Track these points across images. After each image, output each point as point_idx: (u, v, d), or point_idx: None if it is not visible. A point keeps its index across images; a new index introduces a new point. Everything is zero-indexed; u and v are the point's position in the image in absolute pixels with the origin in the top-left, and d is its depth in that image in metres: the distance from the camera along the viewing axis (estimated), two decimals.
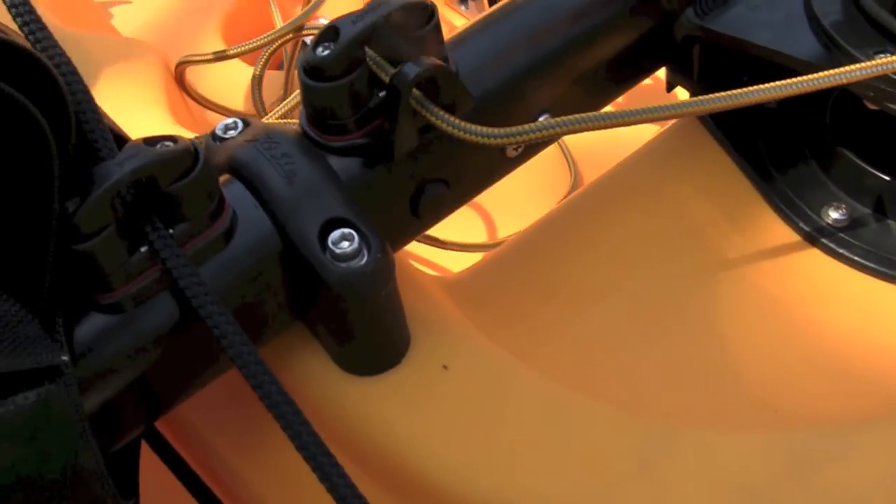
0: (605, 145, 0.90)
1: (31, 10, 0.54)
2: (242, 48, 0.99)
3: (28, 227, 0.52)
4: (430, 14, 0.60)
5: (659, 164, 0.81)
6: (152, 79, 0.93)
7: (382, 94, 0.60)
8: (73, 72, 0.55)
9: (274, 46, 0.99)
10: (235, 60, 1.11)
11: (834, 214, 0.76)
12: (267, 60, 1.02)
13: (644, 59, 0.77)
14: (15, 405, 0.48)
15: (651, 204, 0.79)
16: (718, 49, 0.76)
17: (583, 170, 1.13)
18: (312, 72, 0.58)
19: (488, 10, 0.71)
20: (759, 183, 0.79)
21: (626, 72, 0.76)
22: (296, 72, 1.13)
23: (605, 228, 0.78)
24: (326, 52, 0.58)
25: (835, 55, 0.71)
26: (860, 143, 0.76)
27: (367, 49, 0.59)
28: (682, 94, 0.85)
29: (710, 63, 0.79)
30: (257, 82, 1.01)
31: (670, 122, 0.85)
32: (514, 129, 0.61)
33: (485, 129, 0.60)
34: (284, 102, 0.91)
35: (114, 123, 0.60)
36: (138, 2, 1.41)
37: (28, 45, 0.50)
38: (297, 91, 0.93)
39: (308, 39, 1.02)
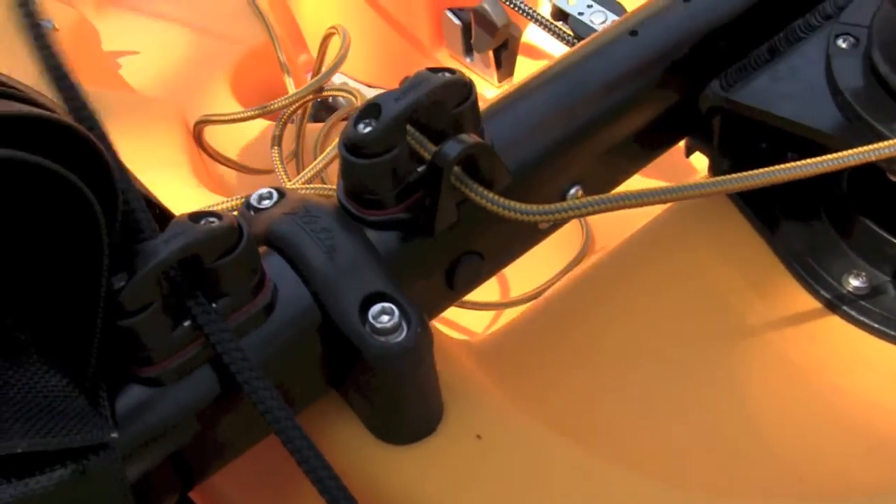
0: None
1: (73, 87, 0.54)
2: (262, 109, 1.00)
3: (77, 303, 0.52)
4: (469, 91, 0.61)
5: (680, 230, 0.82)
6: (173, 138, 0.94)
7: (422, 168, 0.61)
8: (111, 147, 0.56)
9: (292, 109, 1.00)
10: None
11: (854, 282, 0.77)
12: (285, 122, 1.03)
13: (671, 129, 0.78)
14: (58, 478, 0.49)
15: (674, 270, 0.80)
16: (739, 117, 0.77)
17: (594, 227, 1.13)
18: (353, 148, 0.59)
19: (520, 81, 0.72)
20: (779, 250, 0.80)
21: (655, 142, 0.78)
22: (307, 125, 1.15)
23: (630, 294, 0.78)
24: (368, 130, 0.59)
25: (856, 127, 0.72)
26: (880, 211, 0.77)
27: (408, 126, 0.60)
28: (698, 159, 0.86)
29: (731, 131, 0.80)
30: (277, 142, 1.02)
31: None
32: (551, 206, 0.61)
33: (523, 206, 0.60)
34: (311, 166, 0.91)
35: (150, 194, 0.60)
36: (145, 53, 1.42)
37: (81, 128, 0.51)
38: (323, 156, 0.94)
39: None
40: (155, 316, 0.53)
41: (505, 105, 0.70)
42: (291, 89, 1.22)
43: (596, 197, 0.62)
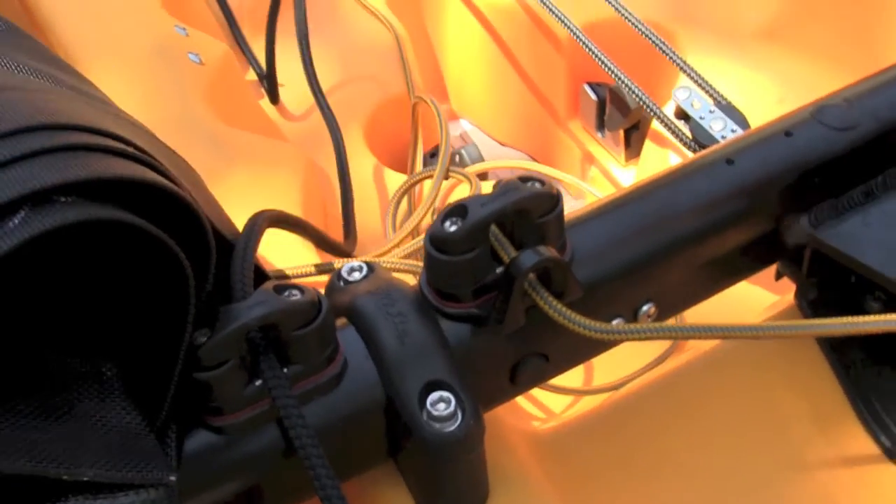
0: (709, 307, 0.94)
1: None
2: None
3: (160, 349, 0.58)
4: (555, 203, 0.65)
5: (759, 355, 0.84)
6: (292, 185, 1.00)
7: (500, 270, 0.65)
8: (228, 222, 0.62)
9: (408, 187, 1.06)
10: None
11: None
12: (400, 199, 1.08)
13: (755, 257, 0.80)
14: (141, 500, 0.54)
15: (745, 390, 0.81)
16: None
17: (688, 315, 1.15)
18: (438, 244, 0.63)
19: (612, 195, 0.75)
20: (848, 389, 0.81)
21: (736, 269, 0.80)
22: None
23: (696, 409, 0.80)
24: (454, 229, 0.62)
25: None
26: None
27: (493, 226, 0.64)
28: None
29: (821, 263, 0.81)
30: (393, 209, 1.07)
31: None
32: (613, 325, 0.65)
33: (587, 321, 0.63)
34: (410, 244, 0.97)
35: (259, 258, 0.66)
36: (288, 86, 1.49)
37: (186, 196, 0.56)
38: (416, 241, 1.00)
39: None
40: (229, 372, 0.58)
41: (592, 216, 0.73)
42: (419, 156, 1.27)
43: (667, 325, 0.65)
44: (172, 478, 0.56)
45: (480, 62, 1.79)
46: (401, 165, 1.46)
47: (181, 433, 0.60)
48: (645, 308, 0.73)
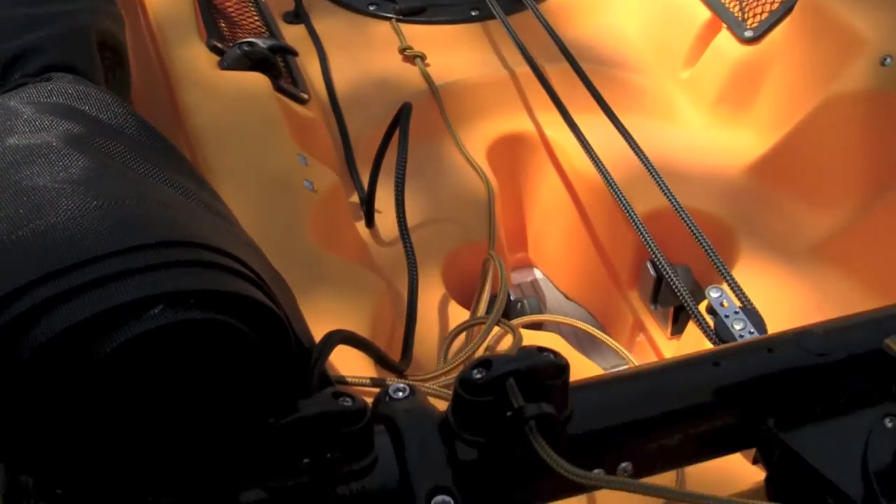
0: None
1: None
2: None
3: (234, 432, 0.76)
4: (562, 372, 0.82)
5: None
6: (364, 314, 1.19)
7: (510, 413, 0.82)
8: (308, 333, 0.80)
9: (464, 327, 1.26)
10: None
11: None
12: (456, 335, 1.27)
13: (728, 443, 0.95)
14: None
15: None
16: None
17: None
18: (465, 386, 0.81)
19: (616, 371, 0.92)
20: None
21: (709, 448, 0.95)
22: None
23: None
24: (479, 377, 0.80)
25: (869, 495, 0.87)
26: None
27: (510, 380, 0.81)
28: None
29: (788, 462, 0.95)
30: (448, 342, 1.25)
31: None
32: (596, 475, 0.81)
33: (577, 470, 0.79)
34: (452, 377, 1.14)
35: (328, 365, 0.84)
36: (385, 213, 1.68)
37: (275, 308, 0.75)
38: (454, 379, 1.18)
39: None
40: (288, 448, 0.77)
41: (596, 385, 0.90)
42: (483, 303, 1.45)
43: (633, 481, 0.81)
44: None
45: (560, 221, 1.97)
46: (470, 303, 1.64)
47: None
48: (623, 465, 0.89)
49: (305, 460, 0.78)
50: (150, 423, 0.72)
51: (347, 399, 0.78)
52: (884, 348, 0.84)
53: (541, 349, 0.82)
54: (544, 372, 0.81)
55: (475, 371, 0.81)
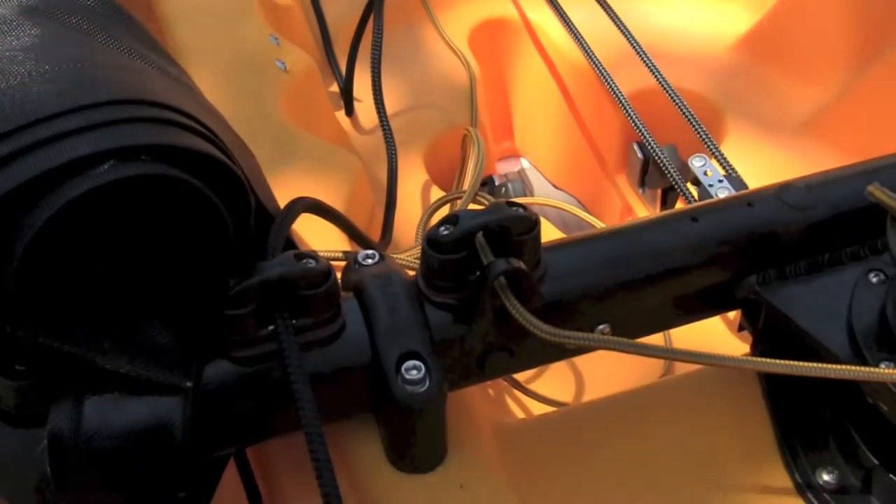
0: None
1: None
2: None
3: (195, 291, 0.73)
4: (533, 226, 0.79)
5: (705, 387, 0.96)
6: (344, 185, 1.16)
7: (479, 271, 0.80)
8: (273, 200, 0.77)
9: (440, 203, 1.23)
10: None
11: (826, 476, 0.89)
12: (432, 213, 1.25)
13: (708, 303, 0.93)
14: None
15: (688, 420, 0.94)
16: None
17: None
18: (432, 244, 0.78)
19: (590, 231, 0.89)
20: (778, 429, 0.93)
21: (688, 311, 0.93)
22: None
23: (646, 428, 0.93)
24: (446, 233, 0.78)
25: (854, 350, 0.85)
26: (863, 424, 0.90)
27: (478, 235, 0.79)
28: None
29: (774, 324, 0.93)
30: (425, 219, 1.23)
31: None
32: (571, 333, 0.78)
33: (546, 327, 0.77)
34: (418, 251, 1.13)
35: (297, 239, 0.81)
36: (365, 102, 1.65)
37: (235, 167, 0.72)
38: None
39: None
40: (249, 315, 0.74)
41: (570, 244, 0.87)
42: (465, 181, 1.42)
43: (611, 338, 0.79)
44: (188, 384, 0.72)
45: (546, 108, 1.93)
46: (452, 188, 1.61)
47: (204, 359, 0.76)
48: (600, 328, 0.86)
49: (270, 327, 0.75)
50: (106, 286, 0.70)
51: (311, 261, 0.75)
52: (867, 195, 0.81)
53: (511, 203, 0.79)
54: (514, 227, 0.79)
55: (442, 228, 0.78)
